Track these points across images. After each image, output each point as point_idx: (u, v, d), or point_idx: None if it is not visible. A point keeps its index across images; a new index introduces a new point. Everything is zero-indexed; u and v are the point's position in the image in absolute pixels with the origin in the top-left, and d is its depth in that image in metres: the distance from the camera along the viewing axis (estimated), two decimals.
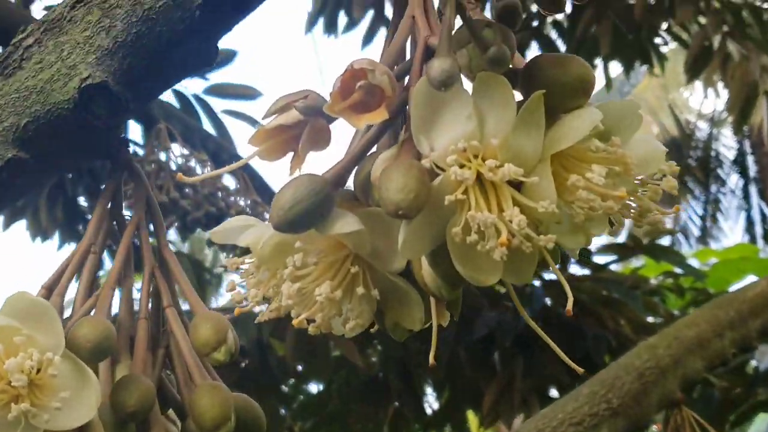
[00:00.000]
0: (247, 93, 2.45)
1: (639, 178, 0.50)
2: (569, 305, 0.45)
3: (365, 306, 0.48)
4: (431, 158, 0.42)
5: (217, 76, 2.48)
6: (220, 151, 2.13)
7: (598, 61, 3.41)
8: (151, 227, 0.65)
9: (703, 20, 3.25)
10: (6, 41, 0.74)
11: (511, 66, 0.45)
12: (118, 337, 0.58)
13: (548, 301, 2.57)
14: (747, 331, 1.48)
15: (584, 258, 2.56)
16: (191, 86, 2.43)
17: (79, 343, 0.50)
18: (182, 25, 0.56)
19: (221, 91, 2.42)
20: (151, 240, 0.64)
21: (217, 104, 2.42)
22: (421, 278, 0.46)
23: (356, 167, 0.48)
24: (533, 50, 3.51)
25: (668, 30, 3.40)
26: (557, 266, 0.46)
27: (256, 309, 0.52)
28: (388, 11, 2.89)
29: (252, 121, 2.39)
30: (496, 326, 2.48)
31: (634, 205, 0.50)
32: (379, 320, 0.52)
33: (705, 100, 8.57)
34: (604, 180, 0.43)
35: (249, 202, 1.99)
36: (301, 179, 0.45)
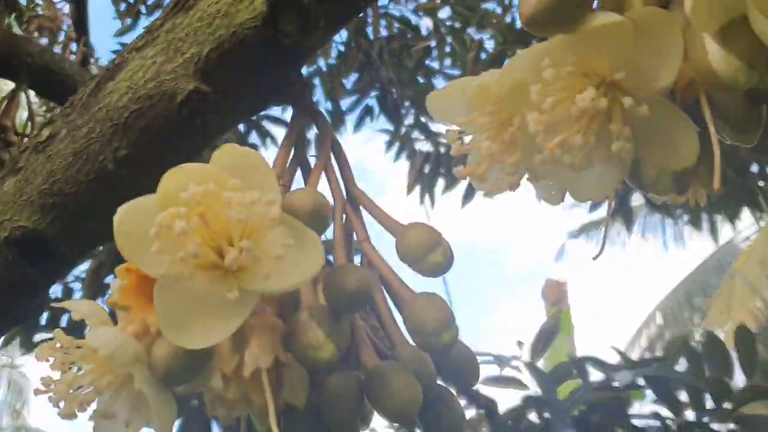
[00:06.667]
0: None
1: None
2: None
3: (632, 129, 0.41)
4: None
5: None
6: None
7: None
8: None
9: None
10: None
11: None
12: None
13: None
14: None
15: None
16: None
17: (297, 206, 0.44)
18: None
19: None
20: None
21: None
22: (706, 69, 0.39)
23: None
24: None
25: None
26: None
27: None
28: None
29: None
30: None
31: None
32: (636, 177, 0.44)
33: None
34: None
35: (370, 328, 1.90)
36: None
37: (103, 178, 0.58)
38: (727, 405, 2.34)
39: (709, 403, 2.36)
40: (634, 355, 7.97)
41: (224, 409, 0.46)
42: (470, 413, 2.67)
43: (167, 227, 0.39)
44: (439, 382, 0.51)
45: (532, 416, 2.40)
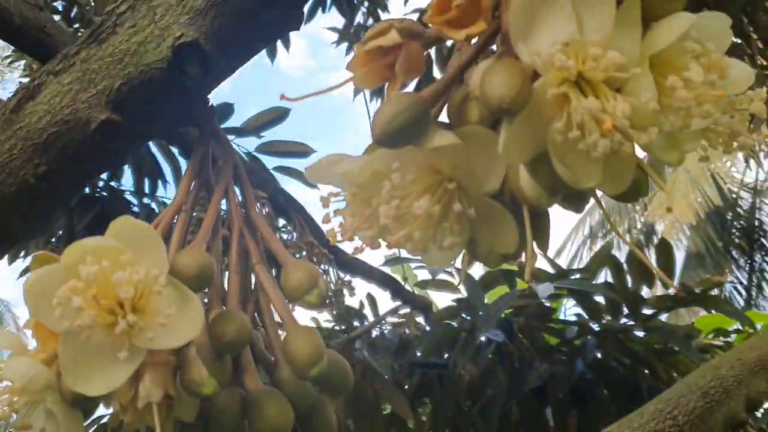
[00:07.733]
0: (299, 150, 2.45)
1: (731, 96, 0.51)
2: None
3: (462, 225, 0.48)
4: (535, 57, 0.42)
5: (269, 134, 2.48)
6: (276, 193, 2.15)
7: None
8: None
9: None
10: None
11: None
12: (210, 290, 0.59)
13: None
14: None
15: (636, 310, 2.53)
16: (244, 143, 2.46)
17: (183, 270, 0.51)
18: None
19: (274, 148, 2.42)
20: None
21: (270, 162, 2.41)
22: (519, 189, 0.47)
23: (451, 90, 0.49)
24: None
25: None
26: None
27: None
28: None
29: (304, 179, 2.40)
30: (549, 378, 2.44)
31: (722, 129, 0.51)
32: (472, 251, 0.52)
33: (747, 170, 8.51)
34: (702, 78, 0.43)
35: (305, 244, 2.00)
36: (398, 96, 0.46)
37: (25, 190, 0.64)
38: (646, 311, 2.51)
39: (626, 311, 2.53)
40: (578, 241, 8.25)
41: (124, 423, 0.54)
42: (406, 311, 2.82)
43: (66, 299, 0.47)
44: None
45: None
